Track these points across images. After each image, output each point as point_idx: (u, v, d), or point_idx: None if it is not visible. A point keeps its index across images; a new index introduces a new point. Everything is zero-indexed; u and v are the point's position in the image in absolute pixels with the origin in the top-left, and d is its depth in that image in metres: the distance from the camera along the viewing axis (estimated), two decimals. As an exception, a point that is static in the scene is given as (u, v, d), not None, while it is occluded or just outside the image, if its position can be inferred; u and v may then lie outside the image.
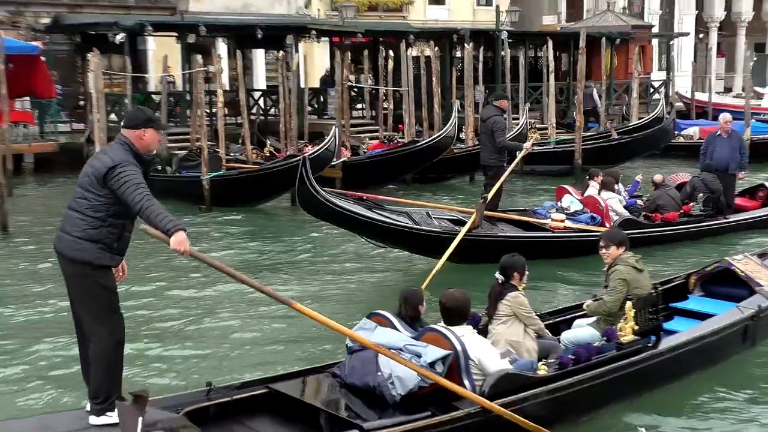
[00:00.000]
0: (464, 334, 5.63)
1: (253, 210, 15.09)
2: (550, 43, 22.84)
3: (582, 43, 19.28)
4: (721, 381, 6.82)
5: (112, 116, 21.21)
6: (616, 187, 12.58)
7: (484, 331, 6.36)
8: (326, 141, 15.01)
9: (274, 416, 5.59)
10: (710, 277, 7.87)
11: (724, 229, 12.49)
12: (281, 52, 21.50)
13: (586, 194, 12.13)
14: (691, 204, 12.73)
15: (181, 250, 4.76)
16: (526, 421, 5.36)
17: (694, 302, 7.67)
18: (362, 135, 21.17)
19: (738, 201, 13.42)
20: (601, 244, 6.87)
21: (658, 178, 13.49)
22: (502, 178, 11.82)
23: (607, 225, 11.19)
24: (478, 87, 22.10)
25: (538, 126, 21.01)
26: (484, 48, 24.50)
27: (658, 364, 6.37)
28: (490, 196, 11.37)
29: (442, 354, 5.38)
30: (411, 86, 20.74)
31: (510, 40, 25.45)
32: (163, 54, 22.26)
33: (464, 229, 10.36)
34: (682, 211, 12.66)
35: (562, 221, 11.60)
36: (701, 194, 12.70)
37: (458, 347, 5.43)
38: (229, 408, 5.53)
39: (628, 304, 6.22)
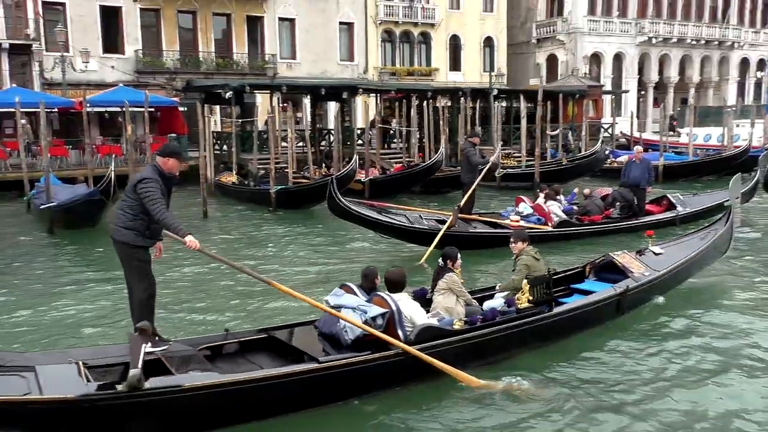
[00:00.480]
0: (400, 299, 6.10)
1: (305, 212, 15.32)
2: (522, 98, 22.89)
3: (539, 97, 19.30)
4: (598, 338, 7.05)
5: (225, 147, 21.30)
6: (558, 197, 12.87)
7: (429, 301, 6.76)
8: (350, 165, 15.22)
9: (271, 354, 5.74)
10: (600, 266, 7.94)
11: (634, 227, 12.32)
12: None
13: (536, 202, 12.47)
14: (611, 210, 13.13)
15: (193, 247, 5.28)
16: (436, 361, 5.65)
17: (588, 284, 7.99)
18: (392, 160, 21.06)
19: (648, 207, 13.51)
20: (511, 240, 7.24)
21: (586, 191, 13.96)
22: (470, 190, 12.34)
23: (549, 224, 11.78)
24: (477, 128, 21.83)
25: (515, 155, 20.70)
26: (481, 101, 23.98)
27: (549, 324, 6.65)
28: (462, 203, 11.91)
29: (381, 311, 5.83)
30: (430, 127, 20.84)
31: (500, 96, 24.86)
32: (266, 105, 22.60)
33: (444, 228, 10.81)
34: (604, 214, 13.04)
35: (518, 221, 11.95)
36: (618, 203, 13.14)
37: (393, 307, 5.82)
38: (238, 348, 5.75)
39: (525, 281, 6.50)
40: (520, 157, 21.71)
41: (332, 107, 32.02)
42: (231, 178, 18.88)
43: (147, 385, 4.52)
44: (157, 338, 5.48)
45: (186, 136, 22.56)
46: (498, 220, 12.09)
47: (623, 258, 8.03)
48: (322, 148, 24.33)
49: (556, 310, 6.64)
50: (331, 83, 26.00)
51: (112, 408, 4.49)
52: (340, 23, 33.51)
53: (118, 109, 21.04)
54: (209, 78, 28.50)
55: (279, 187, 15.87)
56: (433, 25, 35.79)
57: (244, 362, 5.57)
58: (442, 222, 11.26)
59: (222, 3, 30.16)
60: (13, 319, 7.87)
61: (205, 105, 19.41)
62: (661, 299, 7.97)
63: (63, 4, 26.95)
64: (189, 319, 7.75)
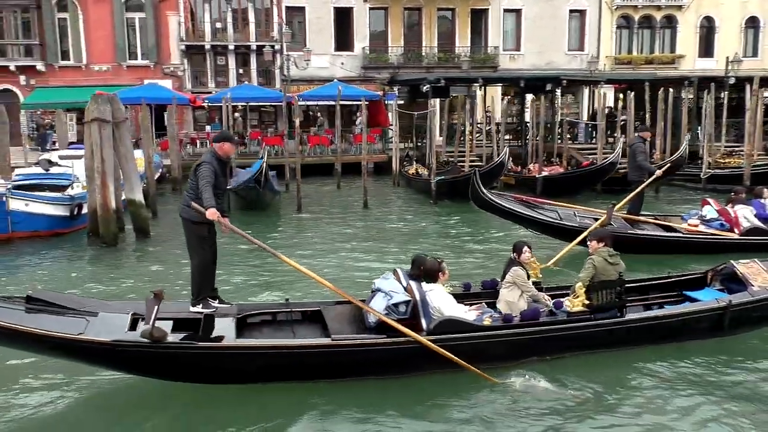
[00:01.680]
0: (433, 289, 5.76)
1: (465, 204, 15.01)
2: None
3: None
4: (676, 355, 6.17)
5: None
6: (763, 199, 10.96)
7: (497, 293, 6.61)
8: (497, 159, 14.60)
9: (313, 326, 6.07)
10: (723, 275, 6.66)
11: None
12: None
13: (724, 206, 10.90)
14: None
15: (212, 219, 5.72)
16: (446, 352, 5.47)
17: (704, 293, 6.99)
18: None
19: None
20: (589, 237, 6.19)
21: None
22: (636, 191, 11.26)
23: (736, 231, 10.30)
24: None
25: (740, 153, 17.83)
26: (717, 91, 20.96)
27: (603, 332, 6.01)
28: (621, 204, 10.94)
29: (405, 299, 5.71)
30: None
31: (739, 84, 21.52)
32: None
33: (594, 225, 9.75)
34: None
35: (696, 226, 10.67)
36: None
37: (418, 296, 5.75)
38: (288, 317, 6.19)
39: (579, 284, 5.94)
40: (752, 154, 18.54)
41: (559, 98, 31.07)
42: (421, 169, 19.39)
43: (170, 338, 5.23)
44: (218, 300, 6.23)
45: (389, 127, 23.61)
46: (671, 224, 10.91)
47: (749, 267, 6.89)
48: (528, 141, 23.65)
49: (621, 318, 6.08)
50: (531, 75, 24.94)
51: (133, 354, 5.24)
52: (571, 11, 31.88)
53: (331, 103, 22.91)
54: (430, 72, 29.37)
55: (439, 178, 15.88)
56: (680, 7, 32.21)
57: (283, 330, 6.00)
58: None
59: (447, -3, 30.92)
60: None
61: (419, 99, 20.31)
62: None
63: (303, 8, 30.06)
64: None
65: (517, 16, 31.74)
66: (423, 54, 30.82)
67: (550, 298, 6.40)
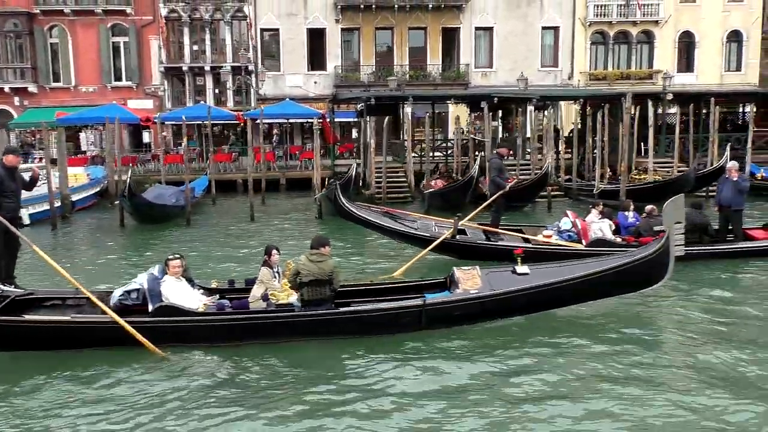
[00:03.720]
0: (165, 280, 7.25)
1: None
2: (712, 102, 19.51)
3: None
4: (379, 345, 7.12)
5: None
6: (627, 213, 11.90)
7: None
8: (348, 172, 15.48)
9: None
10: (453, 278, 7.95)
11: (700, 254, 10.81)
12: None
13: (584, 218, 11.64)
14: None
15: None
16: (133, 330, 6.70)
17: (441, 294, 7.79)
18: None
19: (753, 233, 11.71)
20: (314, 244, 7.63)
21: (648, 208, 12.01)
22: (484, 204, 12.15)
23: (584, 242, 11.12)
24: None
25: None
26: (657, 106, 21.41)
27: (316, 322, 7.11)
28: (469, 216, 11.73)
29: (136, 287, 7.26)
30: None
31: (680, 100, 21.83)
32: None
33: (444, 236, 10.84)
34: (658, 237, 11.11)
35: (550, 236, 11.43)
36: None
37: (146, 285, 7.18)
38: (79, 301, 7.54)
39: (284, 281, 7.37)
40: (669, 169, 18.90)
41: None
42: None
43: None
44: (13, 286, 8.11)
45: (334, 145, 24.80)
46: (526, 235, 11.66)
47: (465, 273, 7.80)
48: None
49: (332, 311, 7.21)
50: (473, 93, 25.65)
51: None
52: (544, 28, 32.44)
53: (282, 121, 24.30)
54: (400, 89, 30.51)
55: (320, 194, 16.70)
56: (657, 22, 32.33)
57: (60, 311, 7.40)
58: (461, 232, 11.29)
59: (418, 17, 31.88)
60: None
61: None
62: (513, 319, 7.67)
63: (277, 30, 31.70)
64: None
65: (489, 34, 32.50)
66: (394, 72, 32.01)
67: (296, 294, 7.34)
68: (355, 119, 28.59)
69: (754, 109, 23.04)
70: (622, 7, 32.08)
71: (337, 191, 11.84)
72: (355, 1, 31.21)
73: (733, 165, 12.14)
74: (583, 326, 7.78)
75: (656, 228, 10.97)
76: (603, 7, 32.24)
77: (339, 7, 31.28)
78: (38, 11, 30.29)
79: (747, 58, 33.09)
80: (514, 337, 7.35)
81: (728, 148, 18.25)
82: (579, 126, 21.71)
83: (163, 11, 30.81)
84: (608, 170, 21.40)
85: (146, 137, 30.68)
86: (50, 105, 30.24)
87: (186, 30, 31.22)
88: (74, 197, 18.71)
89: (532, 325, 7.65)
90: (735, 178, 11.71)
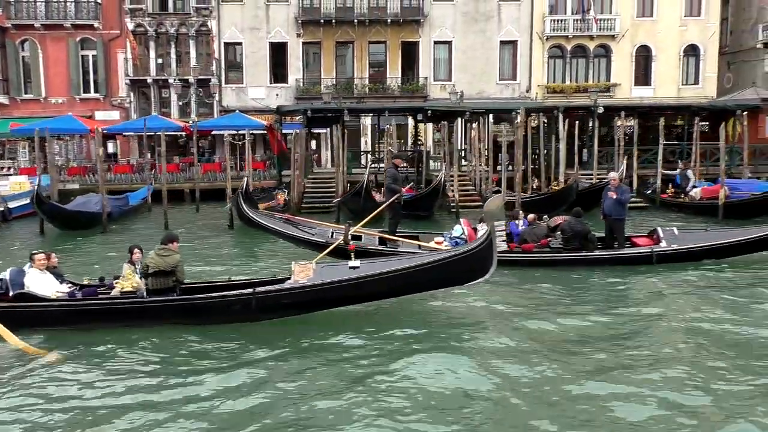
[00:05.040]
0: (28, 272, 8.35)
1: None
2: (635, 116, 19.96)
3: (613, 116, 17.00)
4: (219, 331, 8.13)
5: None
6: (517, 222, 12.70)
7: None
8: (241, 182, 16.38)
9: None
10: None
11: (578, 260, 11.70)
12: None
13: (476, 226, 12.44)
14: (549, 239, 12.24)
15: None
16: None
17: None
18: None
19: (636, 239, 12.46)
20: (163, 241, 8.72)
21: (530, 216, 13.06)
22: (376, 212, 12.77)
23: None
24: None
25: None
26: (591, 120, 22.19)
27: (160, 308, 8.21)
28: (361, 223, 12.21)
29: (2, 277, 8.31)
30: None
31: (612, 113, 22.51)
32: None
33: (337, 242, 11.27)
34: (540, 243, 12.19)
35: (441, 243, 12.07)
36: (562, 234, 12.13)
37: (8, 276, 8.23)
38: None
39: (128, 271, 8.49)
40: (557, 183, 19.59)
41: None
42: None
43: None
44: None
45: (277, 155, 25.69)
46: (421, 242, 12.17)
47: (301, 266, 8.59)
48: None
49: (174, 298, 8.27)
50: (392, 106, 26.39)
51: None
52: (502, 42, 33.24)
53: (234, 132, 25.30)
54: (361, 102, 31.47)
55: (228, 206, 17.56)
56: (614, 36, 32.98)
57: None
58: (357, 238, 11.88)
59: (378, 31, 32.80)
60: None
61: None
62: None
63: (240, 44, 32.77)
64: None
65: (448, 48, 33.34)
66: (354, 85, 32.93)
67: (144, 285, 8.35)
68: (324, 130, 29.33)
69: (689, 122, 23.64)
70: (579, 22, 32.77)
71: (240, 200, 12.86)
72: (316, 16, 32.23)
73: (614, 177, 12.93)
74: (409, 319, 8.60)
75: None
76: (560, 22, 32.95)
77: (300, 21, 32.29)
78: (10, 25, 31.57)
79: (704, 72, 33.59)
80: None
81: (624, 162, 18.88)
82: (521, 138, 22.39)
83: (130, 26, 31.98)
84: (536, 182, 22.09)
85: (111, 147, 31.81)
86: (21, 116, 31.48)
87: (152, 44, 32.39)
88: (11, 204, 19.75)
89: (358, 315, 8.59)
90: (614, 194, 12.41)
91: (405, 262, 8.76)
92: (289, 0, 32.36)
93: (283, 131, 25.95)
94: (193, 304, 8.28)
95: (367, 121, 32.32)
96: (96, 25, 31.99)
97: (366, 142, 32.66)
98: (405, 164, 16.44)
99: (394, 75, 33.22)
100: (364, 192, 16.55)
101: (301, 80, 32.83)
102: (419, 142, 28.36)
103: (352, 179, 21.91)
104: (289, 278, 8.74)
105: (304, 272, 8.45)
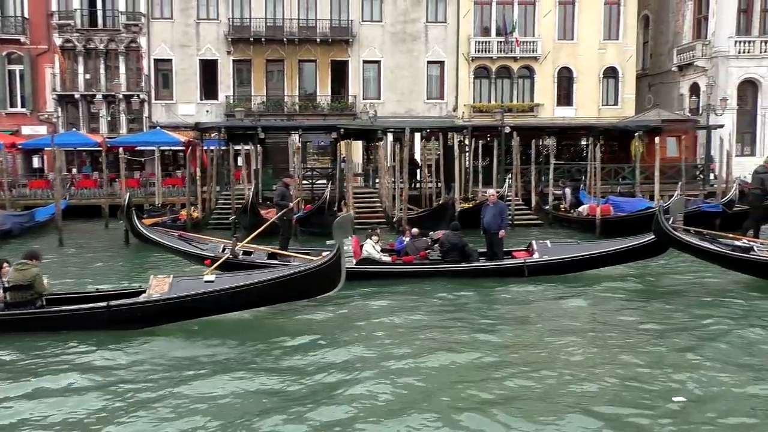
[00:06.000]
0: None
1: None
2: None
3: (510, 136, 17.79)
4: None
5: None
6: (404, 238, 13.50)
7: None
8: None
9: None
10: None
11: (456, 272, 12.24)
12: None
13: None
14: (427, 252, 12.87)
15: None
16: None
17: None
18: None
19: (515, 252, 13.07)
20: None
21: (414, 230, 13.78)
22: (263, 227, 13.25)
23: (353, 260, 12.09)
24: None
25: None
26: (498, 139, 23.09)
27: (19, 320, 8.65)
28: (248, 239, 12.52)
29: None
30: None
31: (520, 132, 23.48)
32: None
33: (226, 256, 11.53)
34: (419, 256, 12.79)
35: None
36: (440, 247, 12.75)
37: None
38: None
39: None
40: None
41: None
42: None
43: None
44: None
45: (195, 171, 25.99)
46: (311, 257, 12.64)
47: (158, 280, 9.03)
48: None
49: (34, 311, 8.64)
50: (305, 124, 27.00)
51: None
52: (429, 62, 34.27)
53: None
54: (291, 120, 32.08)
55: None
56: (536, 58, 34.31)
57: None
58: (248, 254, 12.27)
59: (308, 50, 33.52)
60: None
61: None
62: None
63: (170, 60, 33.15)
64: None
65: (377, 67, 34.23)
66: (284, 102, 33.53)
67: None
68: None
69: (594, 142, 24.77)
70: (503, 44, 34.01)
71: (133, 216, 13.13)
72: (246, 34, 32.81)
73: (491, 192, 13.77)
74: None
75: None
76: (485, 44, 34.16)
77: (230, 39, 32.84)
78: (-66, 39, 31.51)
79: (623, 93, 35.15)
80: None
81: (507, 180, 19.84)
82: (436, 156, 23.23)
83: (58, 41, 32.09)
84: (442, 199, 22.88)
85: (36, 162, 31.73)
86: (-52, 129, 31.28)
87: (81, 59, 32.54)
88: None
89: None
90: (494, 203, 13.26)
91: (257, 277, 9.31)
92: (219, 18, 32.98)
93: (211, 148, 26.32)
94: (50, 316, 8.61)
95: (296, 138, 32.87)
96: (23, 39, 32.01)
97: (294, 159, 33.13)
98: (298, 181, 16.99)
99: (324, 93, 33.94)
100: (249, 208, 17.12)
101: (232, 97, 33.31)
102: (344, 160, 29.06)
103: (271, 195, 22.49)
104: (144, 291, 9.22)
105: (159, 286, 8.90)
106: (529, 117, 33.99)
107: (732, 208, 16.95)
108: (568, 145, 28.75)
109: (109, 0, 32.51)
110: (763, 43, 32.27)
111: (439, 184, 22.53)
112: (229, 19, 32.87)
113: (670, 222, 11.73)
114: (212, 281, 9.07)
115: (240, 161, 31.05)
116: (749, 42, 32.31)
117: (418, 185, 24.11)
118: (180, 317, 8.98)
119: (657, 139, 22.06)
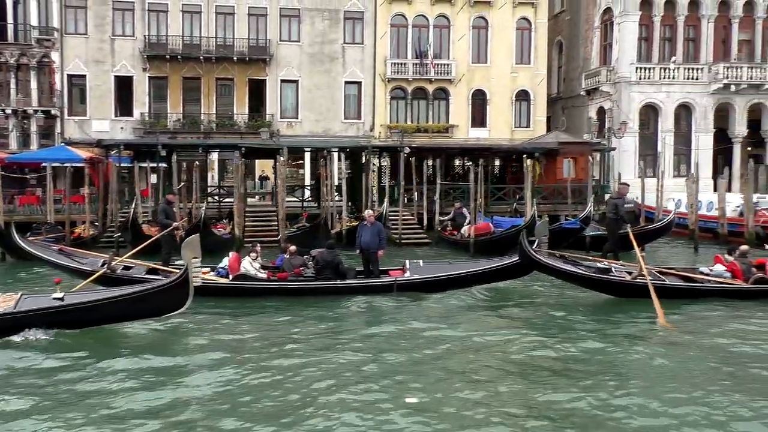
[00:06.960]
0: None
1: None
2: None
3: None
4: None
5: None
6: (286, 255, 13.69)
7: None
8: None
9: None
10: None
11: (328, 288, 12.69)
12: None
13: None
14: (302, 269, 13.28)
15: None
16: None
17: None
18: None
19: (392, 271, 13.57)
20: None
21: (292, 248, 14.02)
22: (145, 243, 13.84)
23: (230, 276, 12.61)
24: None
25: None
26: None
27: None
28: (128, 254, 13.09)
29: None
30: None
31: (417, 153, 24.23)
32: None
33: (103, 270, 11.72)
34: (293, 272, 13.15)
35: (206, 272, 12.37)
36: (314, 264, 13.22)
37: None
38: None
39: None
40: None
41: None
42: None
43: None
44: None
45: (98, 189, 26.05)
46: (172, 270, 12.80)
47: (4, 297, 9.55)
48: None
49: None
50: (208, 143, 27.55)
51: None
52: (347, 82, 34.99)
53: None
54: (208, 138, 32.22)
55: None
56: (451, 80, 35.39)
57: None
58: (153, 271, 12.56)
59: (225, 68, 33.79)
60: None
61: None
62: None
63: (84, 76, 32.99)
64: None
65: (295, 86, 34.72)
66: (200, 120, 33.69)
67: None
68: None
69: (474, 164, 25.74)
70: (418, 66, 34.98)
71: (12, 231, 13.32)
72: (162, 51, 32.89)
73: (368, 213, 14.38)
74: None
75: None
76: (400, 65, 35.05)
77: (146, 56, 32.89)
78: None
79: (534, 116, 36.49)
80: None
81: (386, 200, 20.56)
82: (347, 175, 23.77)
83: (-34, 54, 31.65)
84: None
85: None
86: None
87: (-9, 73, 32.11)
88: None
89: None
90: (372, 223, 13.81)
91: (104, 294, 9.69)
92: (135, 35, 33.01)
93: (121, 164, 26.32)
94: None
95: (214, 156, 33.09)
96: (-72, 52, 31.47)
97: (213, 176, 33.30)
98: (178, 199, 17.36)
99: (241, 111, 34.24)
100: (130, 226, 17.35)
101: (147, 114, 33.29)
102: (264, 176, 29.43)
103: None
104: None
105: (5, 302, 9.33)
106: (444, 137, 34.97)
107: (588, 224, 18.02)
108: (479, 165, 29.77)
109: (21, 14, 32.32)
110: (662, 70, 34.11)
111: (350, 203, 23.10)
112: (145, 36, 32.93)
113: (535, 245, 12.49)
114: (61, 298, 9.37)
115: (155, 179, 31.25)
116: (649, 69, 34.06)
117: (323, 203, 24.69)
118: (18, 330, 9.14)
119: (539, 162, 23.24)
